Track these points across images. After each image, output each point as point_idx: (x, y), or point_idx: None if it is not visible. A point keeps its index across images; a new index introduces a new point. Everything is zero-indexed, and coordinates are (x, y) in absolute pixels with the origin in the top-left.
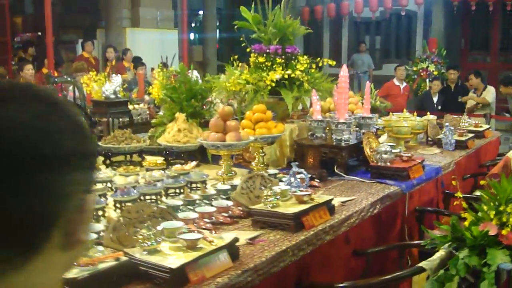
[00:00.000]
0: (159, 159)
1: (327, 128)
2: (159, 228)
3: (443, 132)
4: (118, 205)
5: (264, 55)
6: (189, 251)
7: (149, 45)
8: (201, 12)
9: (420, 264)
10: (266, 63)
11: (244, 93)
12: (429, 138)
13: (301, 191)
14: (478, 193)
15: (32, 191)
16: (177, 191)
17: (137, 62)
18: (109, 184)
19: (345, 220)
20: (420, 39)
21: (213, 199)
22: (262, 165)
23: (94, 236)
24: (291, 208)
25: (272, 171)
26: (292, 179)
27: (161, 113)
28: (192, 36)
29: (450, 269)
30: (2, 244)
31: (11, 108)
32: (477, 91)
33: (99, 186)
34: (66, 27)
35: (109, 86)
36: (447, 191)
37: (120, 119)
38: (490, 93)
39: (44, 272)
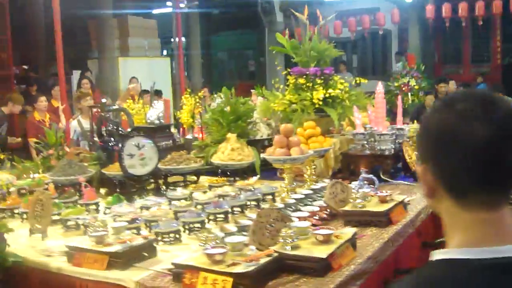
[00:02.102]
0: (212, 178)
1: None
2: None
3: None
4: (211, 217)
5: (304, 76)
6: (325, 244)
7: (140, 73)
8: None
9: None
10: (307, 84)
11: (278, 112)
12: None
13: (381, 192)
14: None
15: None
16: (254, 203)
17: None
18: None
19: (418, 216)
20: (396, 56)
21: (293, 207)
22: (313, 176)
23: (241, 239)
24: (377, 207)
25: (327, 180)
26: (362, 183)
27: (189, 136)
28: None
29: None
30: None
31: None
32: None
33: (182, 202)
34: (54, 59)
35: (153, 112)
36: None
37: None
38: None
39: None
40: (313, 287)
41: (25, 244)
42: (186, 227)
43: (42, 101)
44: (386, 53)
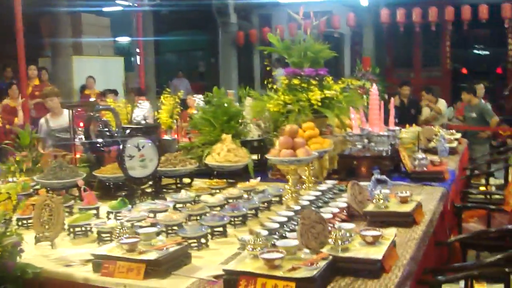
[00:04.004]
0: (207, 180)
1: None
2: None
3: (437, 140)
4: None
5: (298, 77)
6: (373, 245)
7: (94, 72)
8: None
9: None
10: (302, 85)
11: (266, 113)
12: (422, 146)
13: (401, 193)
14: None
15: None
16: (265, 205)
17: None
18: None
19: (434, 215)
20: (348, 59)
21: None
22: (311, 177)
23: (295, 243)
24: (400, 208)
25: (330, 181)
26: (375, 184)
27: (166, 137)
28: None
29: None
30: None
31: None
32: (430, 104)
33: (191, 205)
34: (2, 57)
35: (139, 112)
36: (464, 190)
37: None
38: (442, 105)
39: None
40: None
41: (34, 253)
42: (209, 231)
43: None
44: (339, 55)
